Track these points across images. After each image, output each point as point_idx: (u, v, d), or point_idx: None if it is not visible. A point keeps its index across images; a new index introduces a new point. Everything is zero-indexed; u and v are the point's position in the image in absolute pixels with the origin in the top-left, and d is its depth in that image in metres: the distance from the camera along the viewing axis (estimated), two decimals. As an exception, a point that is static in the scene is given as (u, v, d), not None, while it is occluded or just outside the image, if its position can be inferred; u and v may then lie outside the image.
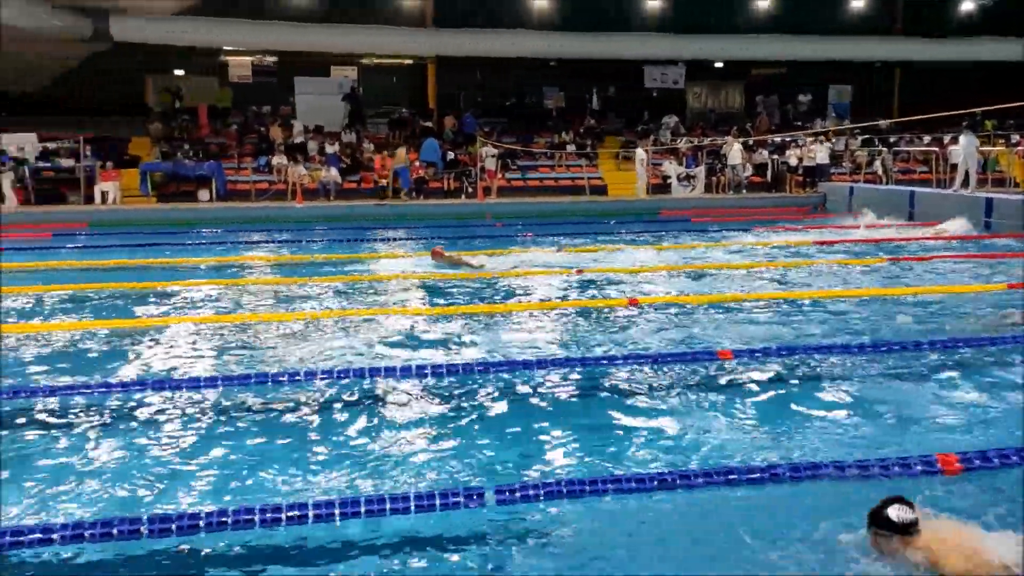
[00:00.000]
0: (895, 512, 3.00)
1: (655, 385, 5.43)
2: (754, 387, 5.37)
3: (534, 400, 5.22)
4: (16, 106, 20.79)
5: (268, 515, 3.47)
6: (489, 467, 4.20)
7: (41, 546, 3.27)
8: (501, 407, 5.12)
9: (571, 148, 22.54)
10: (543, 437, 4.62)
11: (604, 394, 5.35)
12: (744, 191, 20.35)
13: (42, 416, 4.88)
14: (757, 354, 5.91)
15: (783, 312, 7.62)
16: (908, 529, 2.98)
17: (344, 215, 17.48)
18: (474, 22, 22.24)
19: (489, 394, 5.33)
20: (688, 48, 24.04)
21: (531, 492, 3.75)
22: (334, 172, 19.47)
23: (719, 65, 26.24)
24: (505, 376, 5.62)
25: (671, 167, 20.77)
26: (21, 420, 4.82)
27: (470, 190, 19.96)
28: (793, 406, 5.01)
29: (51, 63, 20.79)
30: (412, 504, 3.62)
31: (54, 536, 3.30)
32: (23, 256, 11.87)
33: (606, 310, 7.78)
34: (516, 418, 4.92)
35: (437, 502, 3.64)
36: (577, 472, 4.09)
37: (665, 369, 5.72)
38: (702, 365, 5.74)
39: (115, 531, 3.34)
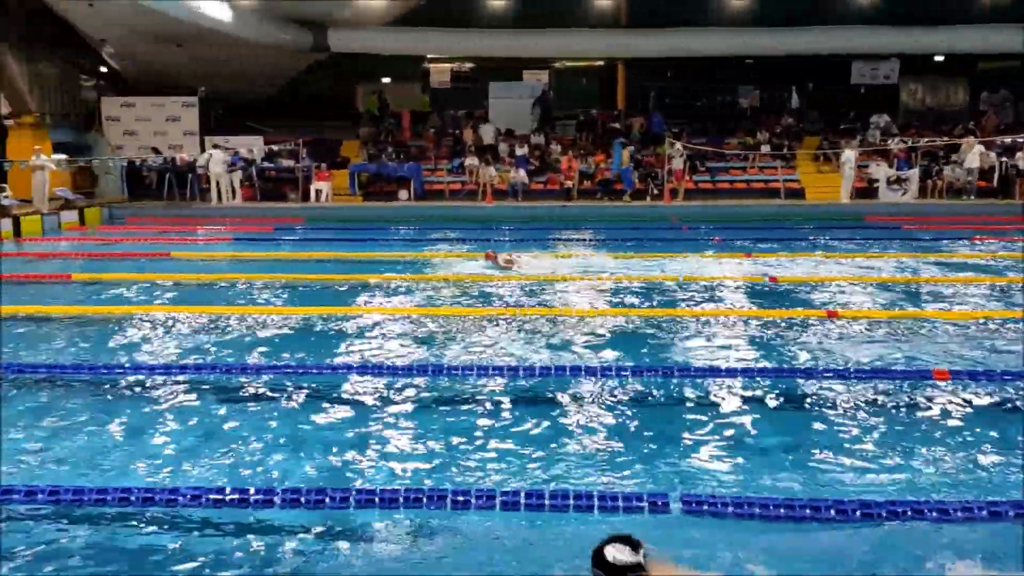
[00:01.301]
0: (611, 552, 2.55)
1: (857, 403, 5.05)
2: (973, 413, 4.84)
3: (719, 409, 5.04)
4: (247, 113, 23.26)
5: (459, 499, 3.63)
6: (674, 474, 4.11)
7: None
8: (685, 414, 5.00)
9: (766, 149, 21.52)
10: (730, 448, 4.44)
11: (798, 409, 5.06)
12: (972, 197, 18.38)
13: (262, 390, 5.41)
14: (980, 378, 5.32)
15: (1008, 333, 6.80)
16: (624, 572, 2.54)
17: (530, 215, 17.87)
18: (667, 21, 21.83)
19: (677, 400, 5.22)
20: (903, 41, 22.06)
21: (719, 506, 3.64)
22: (522, 173, 19.97)
23: (939, 59, 23.87)
24: (696, 382, 5.48)
25: (880, 170, 19.21)
26: (253, 393, 5.39)
27: (655, 192, 19.65)
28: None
29: (276, 73, 23.04)
30: (595, 503, 3.63)
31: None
32: (251, 247, 13.27)
33: (803, 321, 7.35)
34: (701, 426, 4.77)
35: (620, 504, 3.62)
36: (764, 489, 3.89)
37: (869, 386, 5.30)
38: (913, 384, 5.26)
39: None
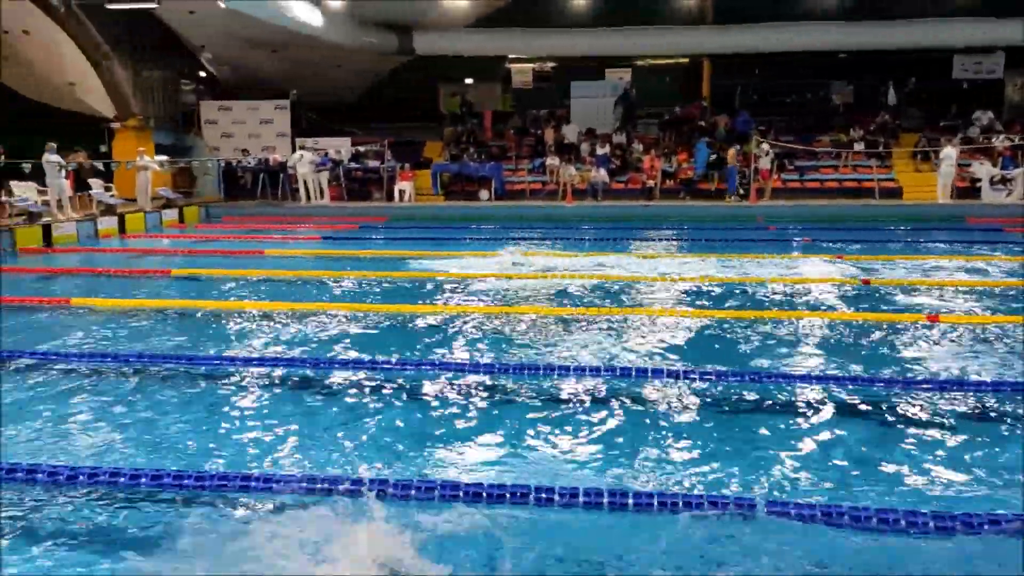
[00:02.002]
0: None
1: (957, 413, 4.80)
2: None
3: (807, 416, 4.88)
4: (334, 115, 23.95)
5: (541, 495, 3.64)
6: (763, 479, 3.99)
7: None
8: (771, 419, 4.86)
9: (859, 147, 20.69)
10: (818, 456, 4.29)
11: (894, 419, 4.84)
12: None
13: (347, 384, 5.56)
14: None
15: None
16: None
17: (610, 215, 17.74)
18: (754, 17, 21.26)
19: (763, 405, 5.08)
20: (1009, 34, 20.79)
21: (805, 512, 3.52)
22: (603, 173, 19.85)
23: (1051, 51, 22.39)
24: (784, 387, 5.33)
25: (983, 169, 18.20)
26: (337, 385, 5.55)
27: (741, 191, 19.17)
28: None
29: (363, 76, 23.64)
30: (680, 502, 3.58)
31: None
32: (337, 244, 13.65)
33: (900, 326, 7.03)
34: (787, 432, 4.63)
35: (706, 506, 3.55)
36: (845, 497, 3.74)
37: (971, 397, 5.03)
38: (1020, 396, 4.96)
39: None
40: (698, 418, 4.86)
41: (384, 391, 5.41)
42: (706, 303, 8.31)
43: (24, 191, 15.06)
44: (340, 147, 21.11)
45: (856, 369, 5.77)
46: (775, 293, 8.82)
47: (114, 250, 13.72)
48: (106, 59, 18.30)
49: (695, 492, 3.76)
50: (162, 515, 3.64)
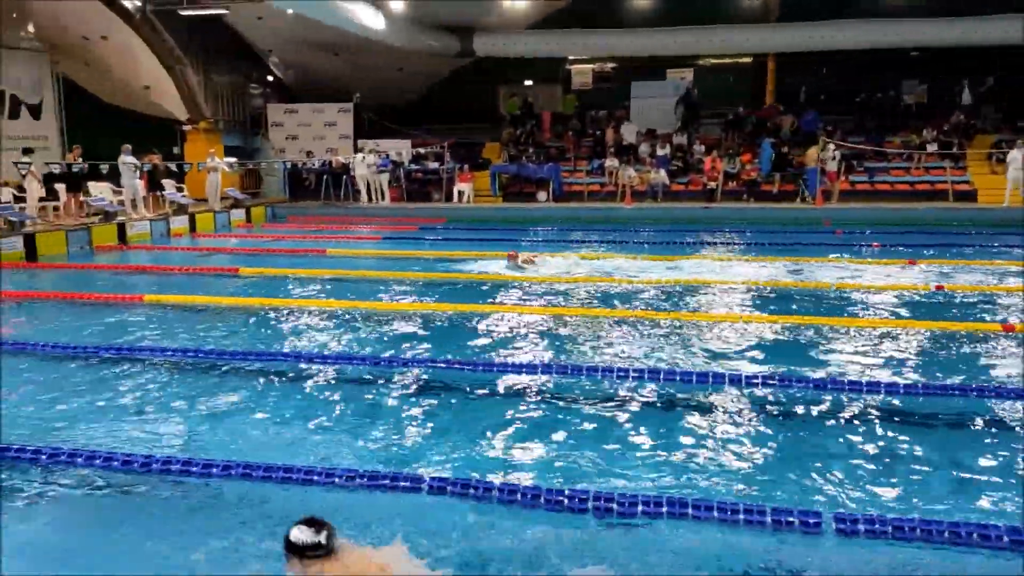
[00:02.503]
0: (295, 534, 2.61)
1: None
2: None
3: (875, 426, 4.73)
4: (396, 116, 24.27)
5: (599, 503, 3.62)
6: (829, 491, 3.89)
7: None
8: (837, 429, 4.72)
9: (933, 148, 19.94)
10: (887, 468, 4.15)
11: (968, 430, 4.66)
12: None
13: (404, 381, 5.63)
14: None
15: None
16: (305, 552, 2.56)
17: (670, 217, 17.52)
18: (821, 13, 20.69)
19: (829, 414, 4.95)
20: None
21: (877, 527, 3.42)
22: (662, 174, 19.62)
23: None
24: (852, 395, 5.18)
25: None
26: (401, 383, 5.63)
27: (806, 194, 18.69)
28: None
29: (424, 78, 23.91)
30: (741, 515, 3.51)
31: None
32: (397, 245, 13.84)
33: (974, 334, 6.76)
34: (854, 442, 4.50)
35: (768, 519, 3.48)
36: (924, 513, 3.61)
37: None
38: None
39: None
40: (761, 425, 4.76)
41: (443, 390, 5.47)
42: (770, 308, 8.12)
43: (101, 191, 15.72)
44: (400, 149, 21.40)
45: (926, 378, 5.57)
46: (842, 299, 8.58)
47: (185, 248, 14.21)
48: (179, 64, 18.96)
49: (755, 501, 3.68)
50: (203, 499, 3.76)
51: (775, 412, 4.97)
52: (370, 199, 19.84)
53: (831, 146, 18.61)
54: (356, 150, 21.17)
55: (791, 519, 3.47)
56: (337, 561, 2.63)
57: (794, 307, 8.14)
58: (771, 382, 5.39)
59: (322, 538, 2.61)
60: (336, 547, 2.65)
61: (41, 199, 14.66)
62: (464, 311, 7.96)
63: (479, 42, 21.70)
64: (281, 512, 3.56)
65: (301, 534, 2.62)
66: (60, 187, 15.24)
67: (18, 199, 14.21)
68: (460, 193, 20.05)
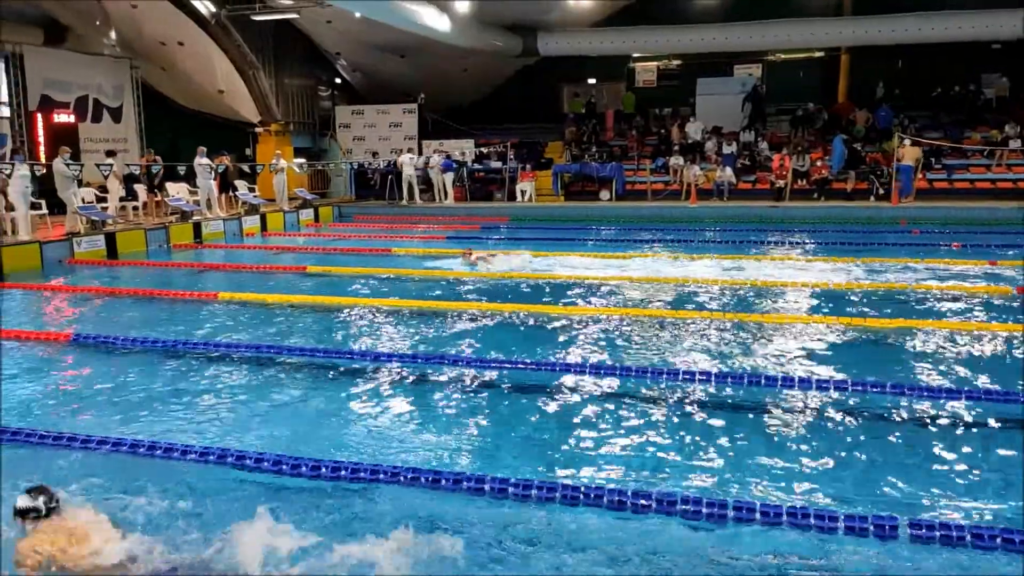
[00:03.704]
0: (19, 500, 3.27)
1: None
2: None
3: (953, 432, 4.54)
4: (459, 116, 24.49)
5: (664, 501, 3.58)
6: (901, 498, 3.76)
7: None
8: (912, 435, 4.56)
9: (1015, 144, 19.02)
10: (962, 475, 3.99)
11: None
12: None
13: (466, 380, 5.68)
14: None
15: None
16: (26, 514, 3.22)
17: (736, 216, 17.19)
18: (897, 6, 19.94)
19: (904, 419, 4.78)
20: None
21: (954, 534, 3.29)
22: (729, 172, 19.25)
23: None
24: (929, 401, 5.00)
25: None
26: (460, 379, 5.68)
27: (881, 192, 18.07)
28: None
29: (487, 78, 24.04)
30: (812, 519, 3.43)
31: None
32: (460, 244, 13.94)
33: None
34: (930, 449, 4.33)
35: (841, 524, 3.38)
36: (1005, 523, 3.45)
37: None
38: None
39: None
40: (832, 429, 4.63)
41: (504, 389, 5.49)
42: (841, 310, 7.89)
43: (178, 192, 16.34)
44: (464, 148, 21.57)
45: (1007, 385, 5.32)
46: (918, 301, 8.27)
47: (256, 247, 14.64)
48: (252, 68, 19.54)
49: (830, 508, 3.59)
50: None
51: (847, 416, 4.83)
52: (411, 197, 20.07)
53: (907, 142, 17.95)
54: (421, 151, 21.44)
55: (864, 524, 3.37)
56: (55, 521, 3.24)
57: (867, 310, 7.88)
58: (843, 386, 5.24)
59: (38, 503, 3.24)
60: (56, 510, 3.27)
61: (121, 199, 15.32)
62: (528, 311, 7.98)
63: (543, 41, 21.69)
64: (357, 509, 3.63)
65: (22, 501, 3.27)
66: (139, 187, 15.90)
67: (99, 199, 14.88)
68: (522, 192, 20.09)
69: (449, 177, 20.18)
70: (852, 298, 8.48)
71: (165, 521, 3.56)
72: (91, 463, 4.25)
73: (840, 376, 5.50)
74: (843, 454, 4.29)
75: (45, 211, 13.38)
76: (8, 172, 11.81)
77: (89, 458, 4.32)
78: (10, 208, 12.35)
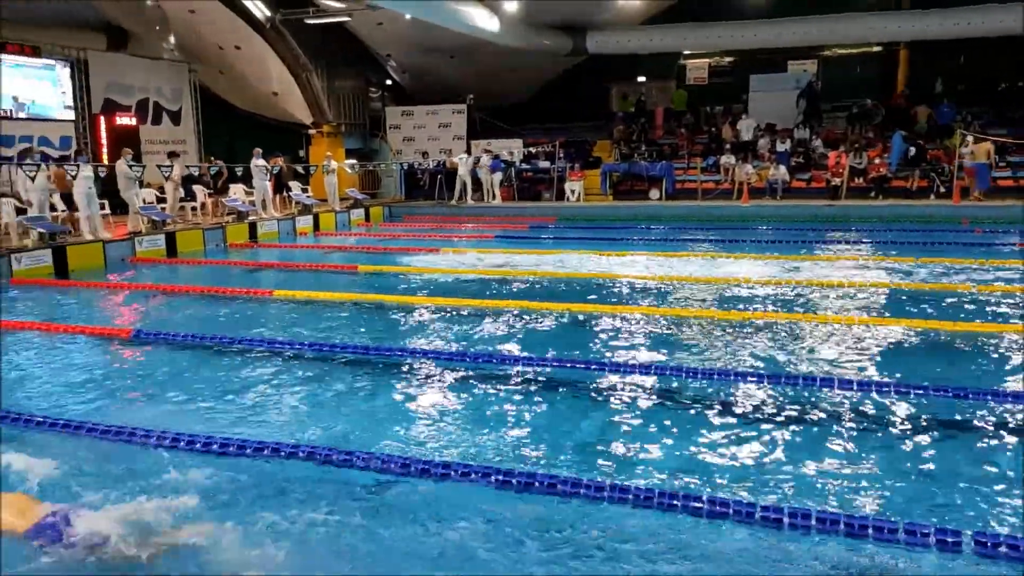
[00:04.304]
0: None
1: None
2: None
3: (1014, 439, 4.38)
4: (507, 116, 24.55)
5: (716, 507, 3.54)
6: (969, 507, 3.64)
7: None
8: (975, 443, 4.40)
9: (1087, 139, 18.22)
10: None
11: None
12: None
13: (515, 379, 5.68)
14: None
15: None
16: None
17: (789, 215, 16.84)
18: (959, -2, 19.29)
19: (967, 426, 4.62)
20: None
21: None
22: (783, 170, 18.88)
23: None
24: (992, 407, 4.82)
25: None
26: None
27: (942, 190, 17.51)
28: None
29: (536, 78, 24.04)
30: (870, 530, 3.33)
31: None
32: (509, 244, 13.98)
33: None
34: (997, 458, 4.17)
35: (901, 535, 3.28)
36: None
37: None
38: None
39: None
40: (888, 435, 4.51)
41: (553, 388, 5.48)
42: (901, 312, 7.67)
43: (234, 192, 16.75)
44: (513, 148, 21.61)
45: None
46: (979, 303, 7.98)
47: (309, 246, 14.91)
48: (305, 71, 19.92)
49: (889, 518, 3.49)
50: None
51: (908, 422, 4.69)
52: (461, 197, 20.15)
53: (969, 139, 17.35)
54: (470, 151, 21.56)
55: (926, 534, 3.27)
56: None
57: (928, 310, 7.64)
58: (902, 390, 5.10)
59: None
60: None
61: (180, 200, 15.76)
62: (576, 310, 7.95)
63: (592, 40, 21.58)
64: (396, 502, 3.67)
65: None
66: (198, 188, 16.34)
67: (159, 200, 15.34)
68: (571, 192, 20.03)
69: (497, 177, 20.25)
70: (913, 299, 8.23)
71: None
72: (160, 458, 4.38)
73: (898, 379, 5.34)
74: (901, 460, 4.16)
75: (108, 211, 13.84)
76: (73, 173, 12.25)
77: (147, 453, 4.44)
78: (74, 208, 12.82)
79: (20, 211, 12.28)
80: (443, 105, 23.11)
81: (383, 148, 23.64)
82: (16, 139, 15.14)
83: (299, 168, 19.49)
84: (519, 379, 5.69)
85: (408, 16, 17.58)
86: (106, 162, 15.43)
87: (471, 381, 5.70)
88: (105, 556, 3.23)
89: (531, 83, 24.30)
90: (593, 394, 5.36)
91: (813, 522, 3.40)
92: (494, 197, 20.25)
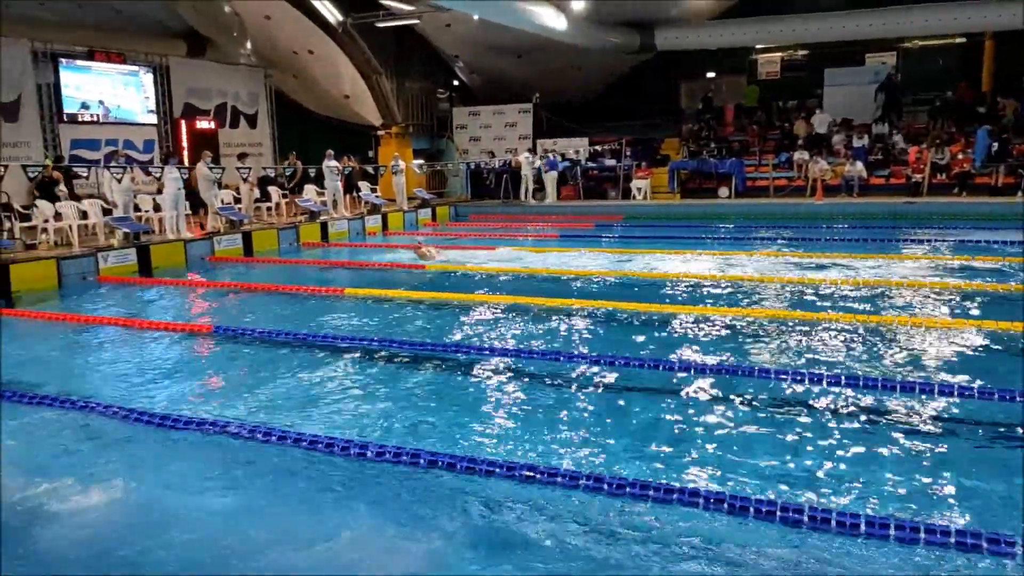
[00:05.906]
0: None
1: None
2: None
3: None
4: (573, 115, 24.47)
5: (761, 508, 3.47)
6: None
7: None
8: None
9: None
10: None
11: None
12: None
13: (580, 377, 5.67)
14: None
15: None
16: None
17: (866, 212, 16.28)
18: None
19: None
20: None
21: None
22: (859, 166, 18.25)
23: None
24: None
25: None
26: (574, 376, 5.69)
27: (1037, 187, 16.60)
28: None
29: (604, 76, 23.89)
30: (922, 535, 3.22)
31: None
32: (574, 243, 13.95)
33: None
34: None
35: (952, 540, 3.16)
36: None
37: None
38: None
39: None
40: (942, 440, 4.33)
41: (621, 388, 5.46)
42: (989, 313, 7.33)
43: (307, 193, 17.22)
44: (578, 147, 21.53)
45: None
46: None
47: (378, 245, 15.20)
48: (375, 73, 20.31)
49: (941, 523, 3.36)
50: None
51: (961, 425, 4.49)
52: (525, 196, 20.12)
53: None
54: (535, 150, 21.59)
55: (977, 541, 3.14)
56: None
57: (1011, 312, 7.29)
58: (967, 394, 4.89)
59: None
60: None
61: (256, 200, 16.30)
62: (642, 310, 7.88)
63: (660, 36, 21.31)
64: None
65: None
66: (273, 189, 16.85)
67: (235, 201, 15.89)
68: (637, 190, 19.84)
69: (553, 176, 20.16)
70: (999, 300, 7.86)
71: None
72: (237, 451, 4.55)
73: (965, 383, 5.12)
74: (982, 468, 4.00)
75: (188, 211, 14.43)
76: (159, 175, 12.82)
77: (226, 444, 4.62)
78: (157, 208, 13.41)
79: (106, 212, 12.91)
80: (509, 105, 23.20)
81: (449, 148, 23.90)
82: (103, 143, 15.92)
83: (368, 168, 19.89)
84: (589, 376, 5.68)
85: (476, 17, 17.71)
86: (186, 164, 16.07)
87: (532, 379, 5.73)
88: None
89: (598, 81, 24.15)
90: (655, 393, 5.32)
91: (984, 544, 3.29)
92: (558, 196, 20.20)
